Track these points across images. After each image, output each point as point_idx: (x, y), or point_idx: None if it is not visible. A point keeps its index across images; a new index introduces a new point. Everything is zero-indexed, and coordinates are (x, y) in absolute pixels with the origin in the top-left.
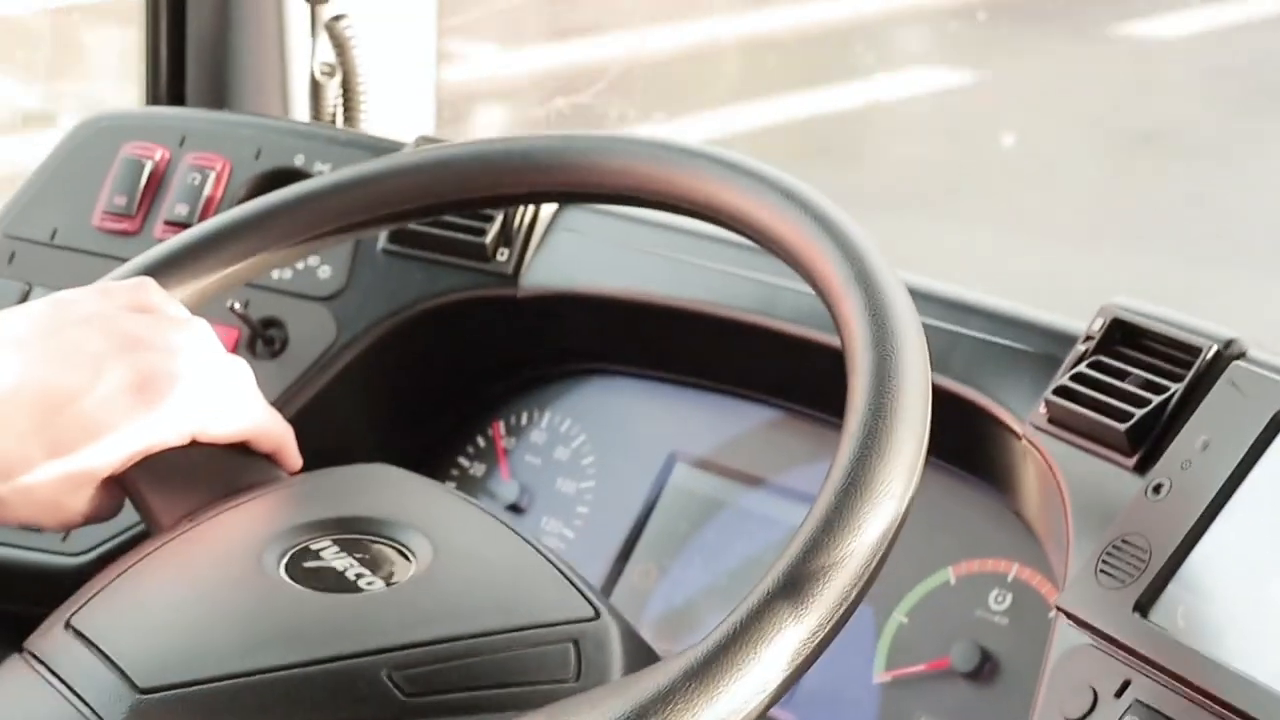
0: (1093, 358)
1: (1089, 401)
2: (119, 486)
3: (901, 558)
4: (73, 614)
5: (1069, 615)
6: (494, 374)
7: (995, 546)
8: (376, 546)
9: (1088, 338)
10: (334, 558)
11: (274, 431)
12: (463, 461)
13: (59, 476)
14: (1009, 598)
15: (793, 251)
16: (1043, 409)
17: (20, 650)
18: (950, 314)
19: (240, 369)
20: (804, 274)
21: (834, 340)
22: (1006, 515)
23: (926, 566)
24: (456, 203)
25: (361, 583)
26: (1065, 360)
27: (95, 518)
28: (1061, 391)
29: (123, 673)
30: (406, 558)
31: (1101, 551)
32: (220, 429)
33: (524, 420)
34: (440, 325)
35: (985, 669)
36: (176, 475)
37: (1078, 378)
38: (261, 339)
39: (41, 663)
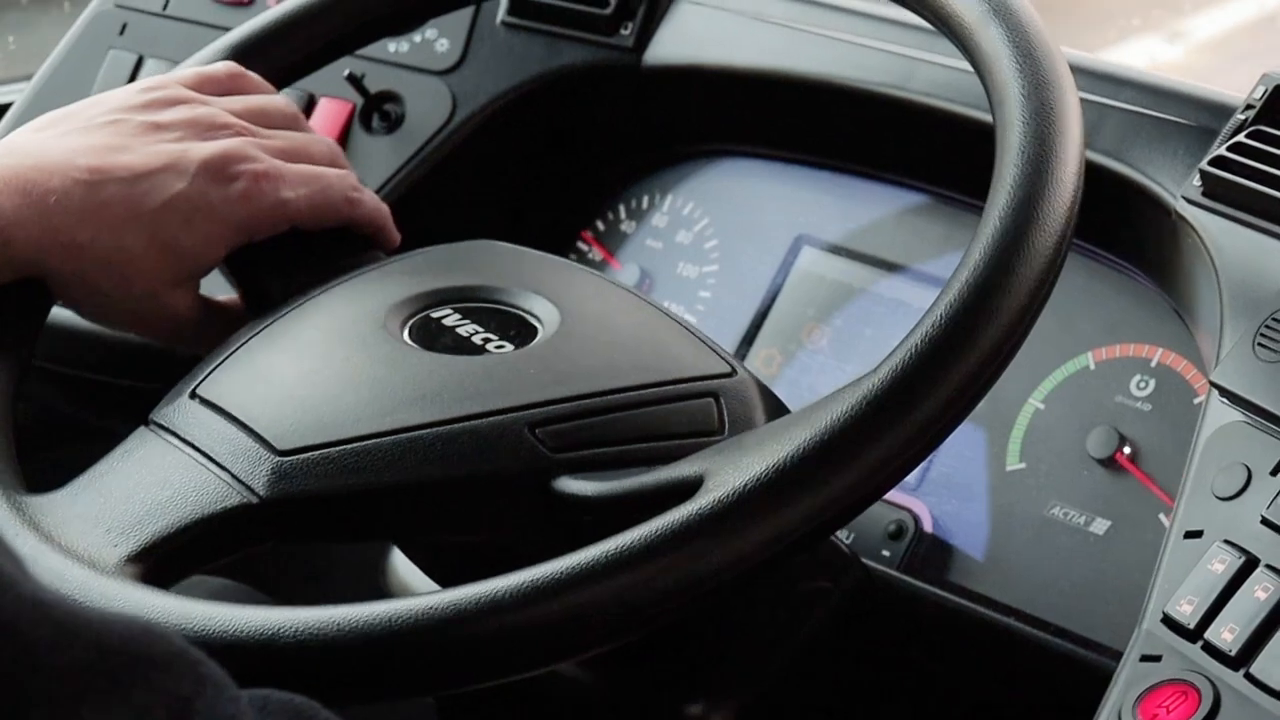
0: (1252, 127)
1: (1248, 171)
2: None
3: (1040, 341)
4: (198, 384)
5: (1222, 391)
6: (615, 155)
7: (1139, 331)
8: (499, 313)
9: (1248, 106)
10: (457, 324)
11: (373, 213)
12: (581, 245)
13: (159, 267)
14: (1151, 383)
15: (942, 10)
16: (1197, 181)
17: (146, 422)
18: (1100, 86)
19: (336, 151)
20: (948, 31)
21: (975, 114)
22: (1151, 298)
23: (1066, 351)
24: None
25: (490, 346)
26: (1222, 131)
27: (192, 319)
28: (1218, 162)
29: (259, 436)
30: (532, 324)
31: (1260, 324)
32: (321, 216)
33: (645, 203)
34: (560, 102)
35: (1124, 455)
36: (277, 260)
37: (1236, 148)
38: (378, 113)
39: (171, 432)
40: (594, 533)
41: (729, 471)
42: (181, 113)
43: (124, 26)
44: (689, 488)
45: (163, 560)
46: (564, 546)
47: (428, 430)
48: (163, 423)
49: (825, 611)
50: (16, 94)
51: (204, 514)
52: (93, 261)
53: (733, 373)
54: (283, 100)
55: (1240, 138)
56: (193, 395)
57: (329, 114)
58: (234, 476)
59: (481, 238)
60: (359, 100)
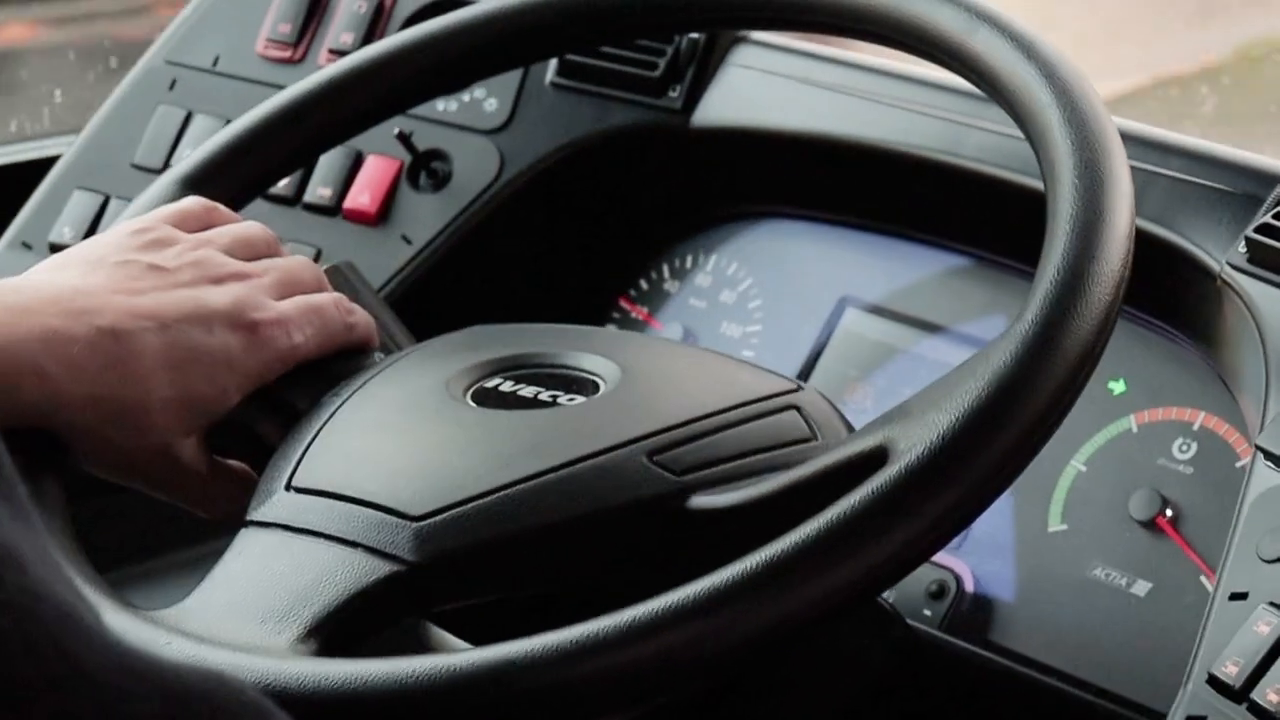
0: None
1: None
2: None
3: (1082, 404)
4: (289, 477)
5: (1268, 454)
6: (661, 214)
7: (1181, 395)
8: (553, 375)
9: None
10: (516, 389)
11: (366, 332)
12: (624, 304)
13: (175, 419)
14: (1194, 447)
15: (996, 78)
16: (1242, 248)
17: (245, 524)
18: (1146, 153)
19: (317, 271)
20: (1001, 97)
21: (1023, 180)
22: (1194, 362)
23: (1108, 413)
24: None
25: (561, 401)
26: (1268, 199)
27: (201, 473)
28: (1264, 229)
29: (386, 509)
30: (590, 379)
31: None
32: (324, 349)
33: (689, 263)
34: (607, 162)
35: (1165, 518)
36: (292, 381)
37: None
38: (425, 170)
39: (281, 526)
40: (738, 544)
41: (917, 430)
42: (183, 255)
43: (173, 82)
44: (874, 459)
45: (328, 639)
46: (704, 566)
47: (553, 474)
48: (267, 519)
49: (869, 670)
50: (64, 146)
51: (356, 589)
52: (109, 413)
53: (799, 387)
54: (260, 228)
55: None
56: (289, 488)
57: (377, 171)
58: (371, 550)
59: (526, 297)
60: (407, 157)
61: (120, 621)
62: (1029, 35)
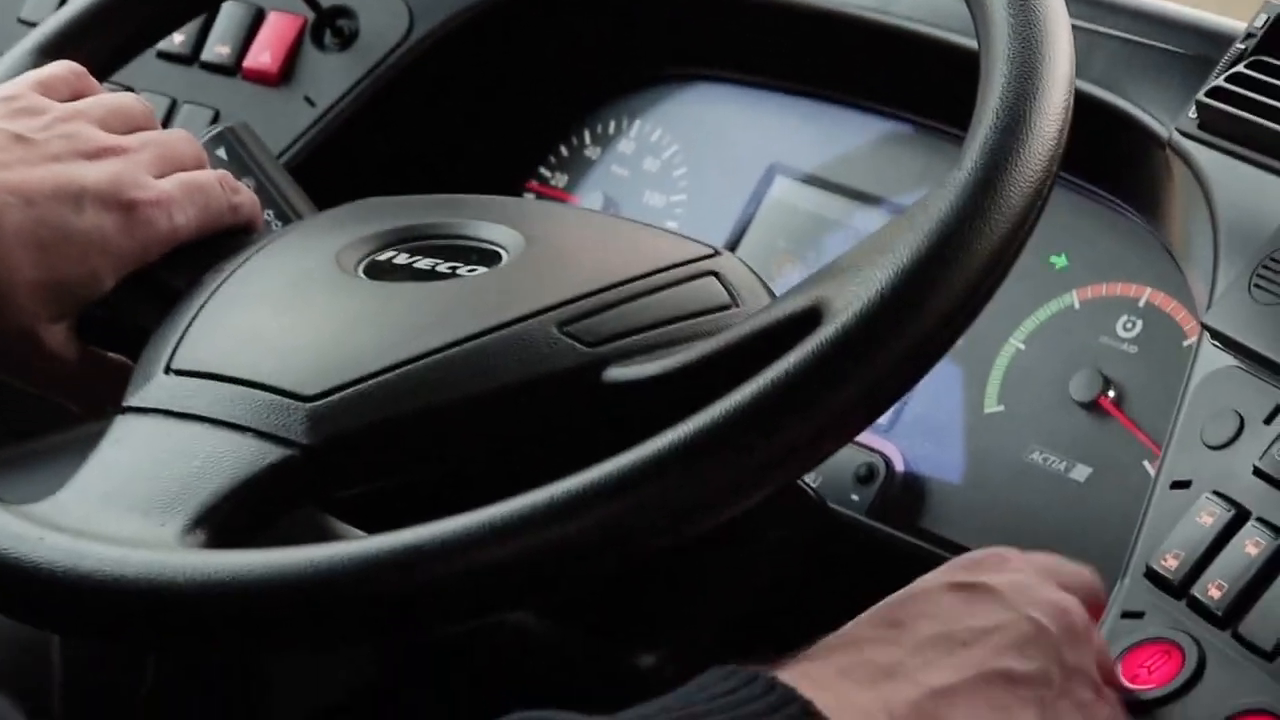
0: (1252, 57)
1: (1246, 104)
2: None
3: (1021, 279)
4: (169, 359)
5: (1215, 334)
6: (581, 77)
7: (1126, 270)
8: (451, 246)
9: (1248, 35)
10: (411, 261)
11: (252, 212)
12: (543, 171)
13: (41, 302)
14: (1139, 324)
15: None
16: (1193, 113)
17: (122, 410)
18: (1092, 12)
19: (197, 146)
20: None
21: (959, 40)
22: (1140, 236)
23: (1049, 289)
24: None
25: (462, 272)
26: (1220, 61)
27: (70, 361)
28: (1216, 93)
29: (276, 389)
30: (491, 249)
31: (1257, 265)
32: (207, 231)
33: (611, 129)
34: (524, 20)
35: (1108, 399)
36: (171, 263)
37: (1234, 79)
38: (330, 28)
39: (163, 412)
40: (661, 417)
41: (853, 287)
42: (54, 127)
43: None
44: (807, 320)
45: (217, 531)
46: (623, 443)
47: (456, 348)
48: (146, 405)
49: (785, 560)
50: None
51: (245, 476)
52: None
53: (717, 252)
54: (137, 99)
55: (1239, 68)
56: (169, 370)
57: (278, 29)
58: (261, 433)
59: (436, 165)
60: (310, 14)
61: None
62: None
